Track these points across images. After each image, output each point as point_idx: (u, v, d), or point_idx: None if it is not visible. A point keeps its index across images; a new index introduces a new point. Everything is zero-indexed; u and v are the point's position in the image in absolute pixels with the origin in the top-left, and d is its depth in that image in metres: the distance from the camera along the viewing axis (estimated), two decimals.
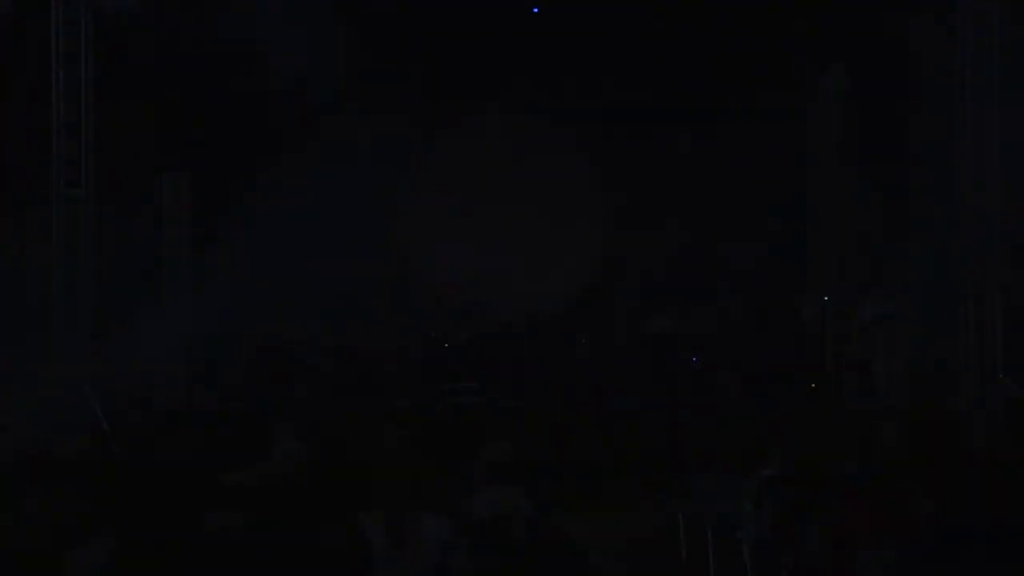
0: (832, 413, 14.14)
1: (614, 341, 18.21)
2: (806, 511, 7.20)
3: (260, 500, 7.17)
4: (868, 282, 16.79)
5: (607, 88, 18.47)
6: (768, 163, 17.55)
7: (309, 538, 5.77)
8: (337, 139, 17.31)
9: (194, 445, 8.98)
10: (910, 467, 7.80)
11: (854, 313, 17.06)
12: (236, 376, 15.71)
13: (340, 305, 17.72)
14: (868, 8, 14.93)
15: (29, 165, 15.10)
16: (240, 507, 7.01)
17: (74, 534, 5.84)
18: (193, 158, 15.25)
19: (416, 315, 18.26)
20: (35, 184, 14.68)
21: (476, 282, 19.44)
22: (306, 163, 17.34)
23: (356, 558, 5.59)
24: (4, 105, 15.10)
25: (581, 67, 18.01)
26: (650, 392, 16.06)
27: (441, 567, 5.84)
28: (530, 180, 19.80)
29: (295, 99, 17.61)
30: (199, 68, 15.10)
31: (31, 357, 13.69)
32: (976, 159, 13.90)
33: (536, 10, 17.00)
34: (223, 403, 14.00)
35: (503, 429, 8.87)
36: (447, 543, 5.92)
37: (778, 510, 7.52)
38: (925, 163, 14.53)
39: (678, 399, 15.63)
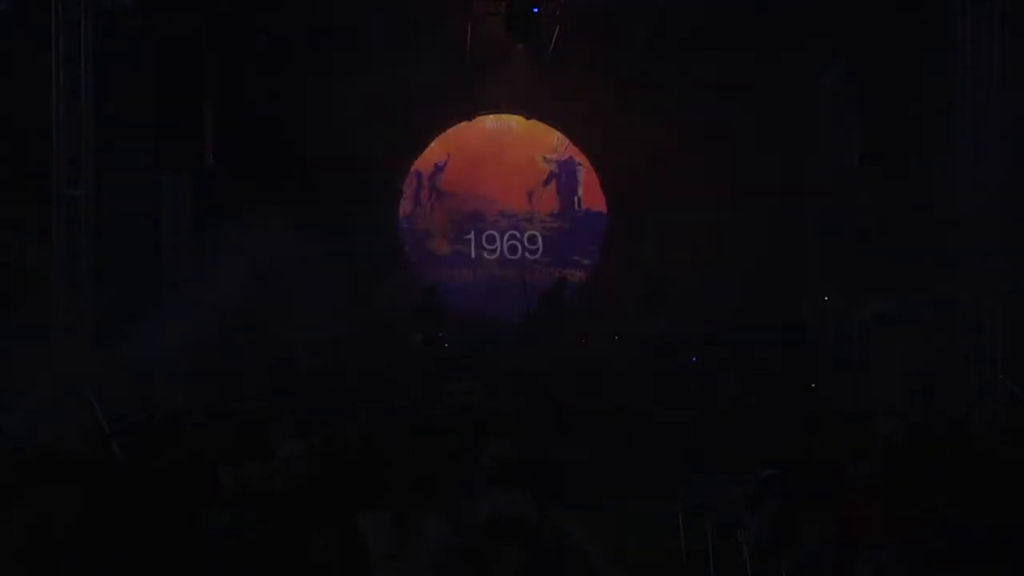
0: (832, 413, 14.12)
1: (614, 341, 18.18)
2: (806, 511, 7.21)
3: (260, 500, 7.18)
4: (868, 282, 16.78)
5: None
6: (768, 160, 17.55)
7: (308, 539, 5.78)
8: (340, 138, 17.29)
9: (194, 445, 8.97)
10: (910, 467, 7.80)
11: (854, 313, 17.05)
12: (236, 376, 15.69)
13: (341, 305, 17.71)
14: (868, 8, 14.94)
15: (29, 165, 15.09)
16: (240, 507, 7.02)
17: (75, 535, 5.84)
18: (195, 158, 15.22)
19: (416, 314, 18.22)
20: (35, 184, 14.67)
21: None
22: (309, 159, 17.35)
23: (352, 561, 5.60)
24: (4, 105, 15.10)
25: None
26: (650, 392, 16.02)
27: (442, 568, 5.85)
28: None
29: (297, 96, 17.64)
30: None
31: (31, 357, 13.68)
32: (976, 158, 13.92)
33: (536, 10, 16.97)
34: (223, 403, 13.97)
35: (504, 429, 8.86)
36: (449, 544, 5.93)
37: (778, 510, 7.52)
38: (925, 163, 14.54)
39: (678, 399, 15.60)
